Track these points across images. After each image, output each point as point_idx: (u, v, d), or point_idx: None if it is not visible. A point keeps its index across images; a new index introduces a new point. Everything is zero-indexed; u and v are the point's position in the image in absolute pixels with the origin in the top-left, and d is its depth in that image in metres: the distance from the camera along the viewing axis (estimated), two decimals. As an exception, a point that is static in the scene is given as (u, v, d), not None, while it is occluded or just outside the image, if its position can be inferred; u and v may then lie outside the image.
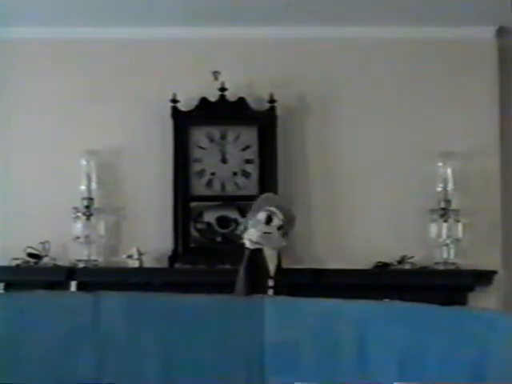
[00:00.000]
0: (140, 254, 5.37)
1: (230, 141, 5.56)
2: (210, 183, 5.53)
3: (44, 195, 5.47)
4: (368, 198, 5.52)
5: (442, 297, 5.01)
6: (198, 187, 5.52)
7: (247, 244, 3.83)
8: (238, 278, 3.87)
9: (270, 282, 3.81)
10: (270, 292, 3.81)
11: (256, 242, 3.78)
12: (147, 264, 5.40)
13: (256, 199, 4.15)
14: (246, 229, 3.84)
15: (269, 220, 3.80)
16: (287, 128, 5.56)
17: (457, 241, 5.42)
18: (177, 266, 5.42)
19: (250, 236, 3.79)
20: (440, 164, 5.46)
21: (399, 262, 5.41)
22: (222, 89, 5.45)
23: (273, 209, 3.84)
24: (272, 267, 3.83)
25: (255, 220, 3.81)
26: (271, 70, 5.54)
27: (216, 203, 5.51)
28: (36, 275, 5.31)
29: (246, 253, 3.84)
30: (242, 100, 5.48)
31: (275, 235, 3.82)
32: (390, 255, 5.40)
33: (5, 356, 2.83)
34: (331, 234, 5.52)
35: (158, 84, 5.52)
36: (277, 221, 3.82)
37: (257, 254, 3.81)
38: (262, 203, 3.92)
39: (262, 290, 3.77)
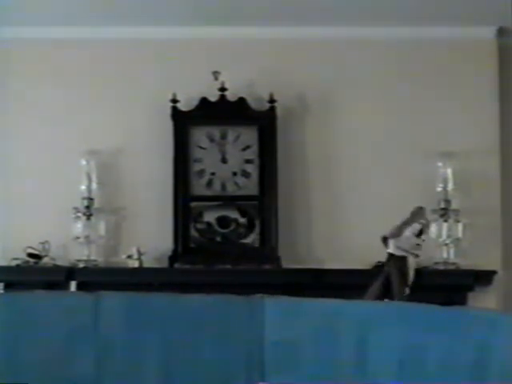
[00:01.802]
0: (140, 253, 5.37)
1: (230, 141, 5.56)
2: (210, 183, 5.52)
3: (44, 195, 5.47)
4: (368, 197, 5.52)
5: (442, 297, 4.99)
6: (198, 187, 5.52)
7: (393, 250, 3.82)
8: (376, 282, 3.84)
9: (407, 290, 3.83)
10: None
11: (405, 250, 3.80)
12: (147, 264, 5.40)
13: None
14: (397, 235, 3.84)
15: (420, 233, 3.85)
16: (287, 128, 5.55)
17: (457, 241, 5.42)
18: (177, 266, 5.41)
19: (403, 244, 3.81)
20: (440, 164, 5.46)
21: (399, 262, 5.40)
22: (222, 89, 5.45)
23: (425, 222, 3.89)
24: (411, 275, 3.85)
25: (411, 230, 3.83)
26: (271, 70, 5.53)
27: (216, 203, 5.51)
28: (36, 275, 5.31)
29: (392, 259, 3.82)
30: (242, 100, 5.48)
31: (422, 247, 3.89)
32: (389, 255, 5.39)
33: (5, 356, 2.83)
34: (331, 234, 5.52)
35: (158, 84, 5.52)
36: (425, 235, 3.89)
37: (402, 261, 3.82)
38: (417, 215, 3.95)
39: (401, 298, 3.79)
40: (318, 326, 2.86)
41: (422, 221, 3.87)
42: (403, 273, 3.82)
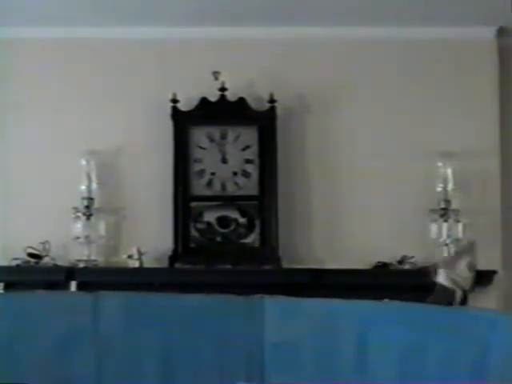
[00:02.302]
0: (140, 253, 5.37)
1: (230, 141, 5.55)
2: (210, 183, 5.52)
3: (44, 195, 5.46)
4: (368, 198, 5.52)
5: (442, 297, 4.99)
6: (198, 187, 5.52)
7: (443, 281, 3.77)
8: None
9: None
10: None
11: (455, 283, 3.76)
12: (147, 264, 5.40)
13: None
14: (451, 267, 3.80)
15: (472, 268, 3.81)
16: (287, 128, 5.55)
17: (457, 241, 5.41)
18: (177, 265, 5.41)
19: (455, 276, 3.76)
20: (440, 164, 5.46)
21: (399, 262, 5.40)
22: (222, 89, 5.45)
23: (475, 257, 3.86)
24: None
25: (464, 263, 3.80)
26: (271, 69, 5.53)
27: (216, 203, 5.51)
28: (36, 275, 5.31)
29: (442, 290, 3.78)
30: (242, 100, 5.47)
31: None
32: (390, 255, 5.40)
33: (5, 356, 2.83)
34: (331, 234, 5.52)
35: (158, 84, 5.52)
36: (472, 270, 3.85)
37: (451, 295, 3.80)
38: (471, 248, 3.92)
39: None
40: (318, 326, 2.86)
41: (474, 255, 3.83)
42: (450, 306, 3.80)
